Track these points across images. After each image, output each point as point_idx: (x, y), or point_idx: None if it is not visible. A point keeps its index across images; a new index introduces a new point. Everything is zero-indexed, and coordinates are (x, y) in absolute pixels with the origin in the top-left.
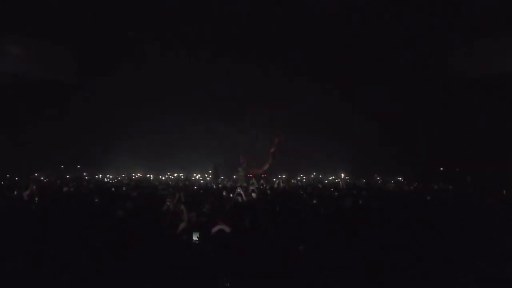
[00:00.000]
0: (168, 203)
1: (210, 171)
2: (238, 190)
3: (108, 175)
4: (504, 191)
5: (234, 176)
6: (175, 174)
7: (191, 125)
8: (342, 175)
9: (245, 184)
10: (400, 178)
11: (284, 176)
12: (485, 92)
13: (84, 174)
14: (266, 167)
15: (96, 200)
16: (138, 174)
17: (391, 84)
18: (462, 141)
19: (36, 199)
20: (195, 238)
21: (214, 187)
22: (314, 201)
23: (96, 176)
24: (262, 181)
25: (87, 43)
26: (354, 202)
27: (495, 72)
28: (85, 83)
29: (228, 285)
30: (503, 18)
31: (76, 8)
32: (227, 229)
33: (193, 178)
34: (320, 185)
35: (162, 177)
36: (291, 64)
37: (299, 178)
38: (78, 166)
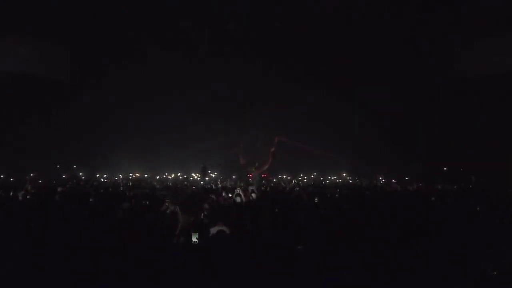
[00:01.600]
0: (167, 204)
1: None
2: (237, 191)
3: (105, 175)
4: (507, 191)
5: (233, 176)
6: (173, 175)
7: (191, 125)
8: (344, 174)
9: (242, 184)
10: (407, 178)
11: (285, 176)
12: (485, 92)
13: (80, 174)
14: (266, 167)
15: (92, 200)
16: (136, 174)
17: (391, 84)
18: (465, 141)
19: (32, 199)
20: (194, 239)
21: (214, 187)
22: (316, 200)
23: (96, 176)
24: (263, 181)
25: (85, 43)
26: (354, 202)
27: (495, 72)
28: (83, 83)
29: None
30: (503, 18)
31: (73, 8)
32: (226, 229)
33: (191, 178)
34: (321, 185)
35: (160, 177)
36: (291, 64)
37: (300, 178)
38: (74, 166)
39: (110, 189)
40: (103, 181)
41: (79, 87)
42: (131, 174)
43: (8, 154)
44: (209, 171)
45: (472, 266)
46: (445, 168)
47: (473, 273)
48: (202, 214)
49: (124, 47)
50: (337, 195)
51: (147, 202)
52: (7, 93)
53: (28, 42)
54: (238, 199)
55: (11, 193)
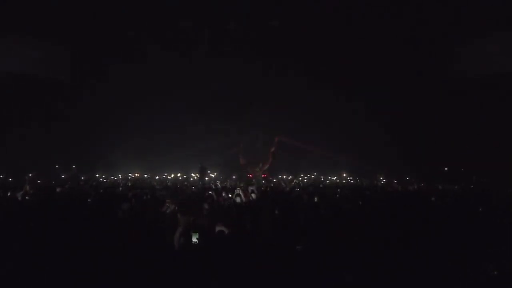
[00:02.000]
0: (167, 204)
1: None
2: (237, 191)
3: (103, 175)
4: (507, 191)
5: (234, 176)
6: (172, 175)
7: (191, 125)
8: (344, 174)
9: (242, 184)
10: (407, 178)
11: (285, 176)
12: (485, 92)
13: (79, 174)
14: (266, 167)
15: (91, 200)
16: (136, 174)
17: (391, 84)
18: (465, 141)
19: (31, 199)
20: (194, 239)
21: (214, 187)
22: (315, 199)
23: (96, 176)
24: (263, 181)
25: (85, 43)
26: (355, 202)
27: (495, 72)
28: (83, 83)
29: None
30: (503, 18)
31: (73, 8)
32: (226, 230)
33: (191, 179)
34: (321, 185)
35: (160, 177)
36: (291, 64)
37: (300, 178)
38: (73, 166)
39: (109, 189)
40: (103, 181)
41: (79, 87)
42: (130, 174)
43: (7, 154)
44: (209, 171)
45: (472, 266)
46: (445, 168)
47: (473, 273)
48: (202, 215)
49: (124, 47)
50: (337, 195)
51: (147, 202)
52: (7, 93)
53: (28, 42)
54: (238, 199)
55: (8, 193)
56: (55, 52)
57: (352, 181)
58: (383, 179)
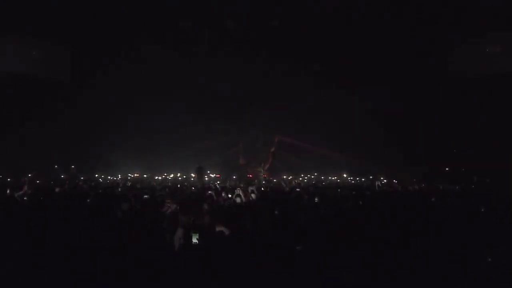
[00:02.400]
0: (167, 204)
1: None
2: (237, 191)
3: (103, 175)
4: (508, 191)
5: (234, 176)
6: (172, 175)
7: (191, 125)
8: (344, 175)
9: (242, 185)
10: (408, 178)
11: (285, 176)
12: (485, 92)
13: (78, 174)
14: (266, 167)
15: (90, 200)
16: (136, 174)
17: (391, 84)
18: (465, 141)
19: (30, 199)
20: (194, 240)
21: (213, 188)
22: (316, 200)
23: (95, 176)
24: (264, 181)
25: (85, 43)
26: (355, 202)
27: (495, 72)
28: (83, 83)
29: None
30: (503, 18)
31: (73, 8)
32: (226, 231)
33: (192, 179)
34: (321, 185)
35: (159, 177)
36: (292, 64)
37: (300, 178)
38: (72, 166)
39: (108, 189)
40: (102, 182)
41: (79, 87)
42: (130, 174)
43: (7, 154)
44: (208, 172)
45: (472, 266)
46: (446, 168)
47: (473, 273)
48: (202, 215)
49: (124, 47)
50: (337, 195)
51: (147, 202)
52: (7, 93)
53: (28, 42)
54: (238, 200)
55: (7, 191)
56: (55, 52)
57: (352, 181)
58: (383, 179)
